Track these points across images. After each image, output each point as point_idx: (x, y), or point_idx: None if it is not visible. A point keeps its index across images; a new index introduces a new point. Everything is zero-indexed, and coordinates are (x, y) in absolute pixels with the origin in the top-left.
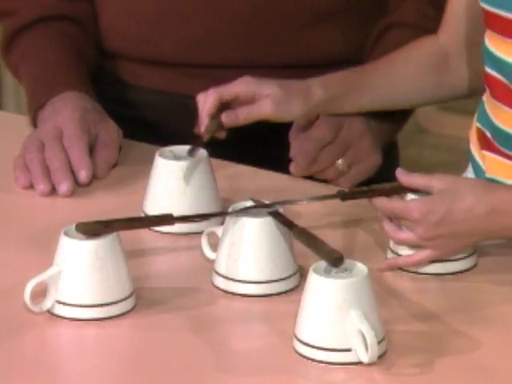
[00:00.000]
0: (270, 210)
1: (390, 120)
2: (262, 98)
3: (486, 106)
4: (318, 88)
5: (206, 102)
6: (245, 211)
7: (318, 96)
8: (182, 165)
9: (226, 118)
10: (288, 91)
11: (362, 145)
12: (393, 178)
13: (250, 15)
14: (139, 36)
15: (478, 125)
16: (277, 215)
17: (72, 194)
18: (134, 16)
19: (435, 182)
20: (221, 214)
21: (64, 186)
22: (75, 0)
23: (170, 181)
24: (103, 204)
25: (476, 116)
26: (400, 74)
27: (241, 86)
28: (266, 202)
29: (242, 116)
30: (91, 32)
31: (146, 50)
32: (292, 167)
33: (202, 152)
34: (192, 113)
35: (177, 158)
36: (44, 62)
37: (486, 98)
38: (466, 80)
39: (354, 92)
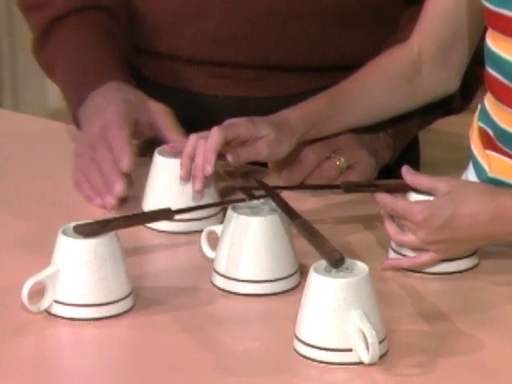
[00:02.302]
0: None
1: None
2: (258, 140)
3: (488, 107)
4: (299, 124)
5: (213, 140)
6: (245, 201)
7: (299, 132)
8: (180, 162)
9: (230, 159)
10: (279, 132)
11: (350, 147)
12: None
13: (271, 15)
14: (157, 30)
15: (480, 124)
16: (279, 201)
17: (125, 194)
18: (153, 9)
19: (440, 184)
20: (221, 204)
21: (119, 185)
22: None
23: (169, 179)
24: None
25: (477, 116)
26: (375, 95)
27: (242, 128)
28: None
29: (243, 158)
30: (125, 22)
31: (163, 44)
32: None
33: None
34: (207, 111)
35: (175, 155)
36: (80, 55)
37: (488, 98)
38: (439, 84)
39: (331, 120)
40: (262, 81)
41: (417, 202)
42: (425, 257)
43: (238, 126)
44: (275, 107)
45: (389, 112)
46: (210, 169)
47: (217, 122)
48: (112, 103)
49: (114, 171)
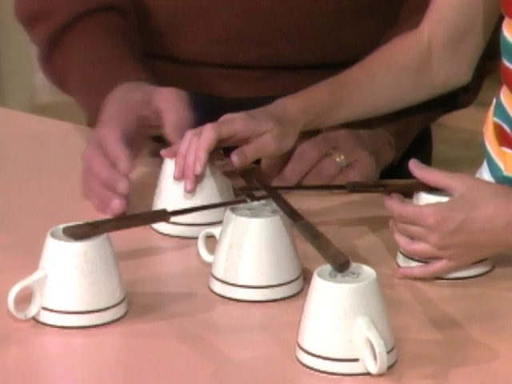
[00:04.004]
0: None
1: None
2: (262, 135)
3: (504, 101)
4: (301, 115)
5: (205, 138)
6: (245, 202)
7: (301, 123)
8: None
9: (237, 160)
10: (281, 126)
11: (350, 145)
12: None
13: (279, 14)
14: (161, 32)
15: (496, 120)
16: (280, 202)
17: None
18: (157, 10)
19: (456, 183)
20: (220, 205)
21: (122, 184)
22: None
23: (178, 181)
24: None
25: (492, 111)
26: (382, 86)
27: (240, 124)
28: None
29: (250, 156)
30: (133, 18)
31: (168, 46)
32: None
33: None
34: (215, 112)
35: None
36: (93, 60)
37: (504, 92)
38: (450, 75)
39: (334, 110)
40: (272, 80)
41: (427, 205)
42: (438, 264)
43: (234, 121)
44: None
45: (395, 103)
46: (199, 168)
47: None
48: (114, 105)
49: (111, 174)
